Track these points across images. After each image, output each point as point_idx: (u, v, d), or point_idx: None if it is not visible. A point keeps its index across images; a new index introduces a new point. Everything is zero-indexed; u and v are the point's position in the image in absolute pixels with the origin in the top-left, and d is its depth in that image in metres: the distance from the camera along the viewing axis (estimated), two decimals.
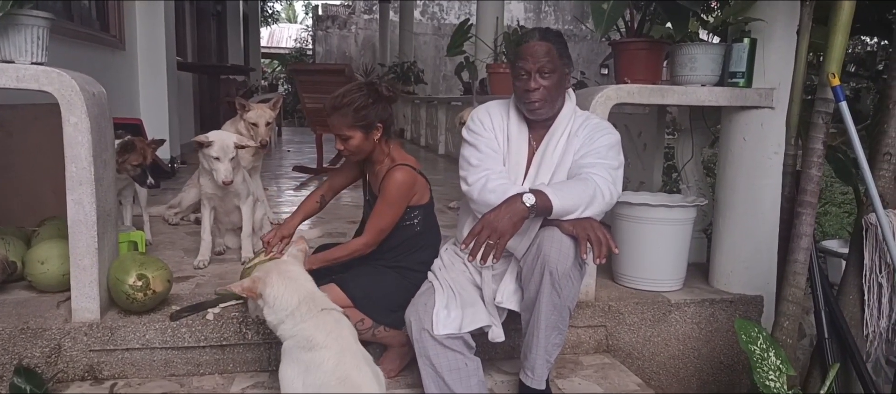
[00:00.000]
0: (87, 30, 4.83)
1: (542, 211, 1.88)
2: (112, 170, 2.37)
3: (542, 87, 2.07)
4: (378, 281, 2.21)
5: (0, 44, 2.09)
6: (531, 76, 2.07)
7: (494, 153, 2.16)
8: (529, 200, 1.85)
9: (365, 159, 2.26)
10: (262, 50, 17.12)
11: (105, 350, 2.20)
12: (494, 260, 1.85)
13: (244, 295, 1.91)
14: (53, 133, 2.44)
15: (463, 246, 1.89)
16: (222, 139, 2.76)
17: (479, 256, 1.85)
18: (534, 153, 2.18)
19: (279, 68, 20.72)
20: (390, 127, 2.23)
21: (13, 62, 2.10)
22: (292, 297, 1.87)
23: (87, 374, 2.20)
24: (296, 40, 21.86)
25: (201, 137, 2.76)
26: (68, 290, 2.22)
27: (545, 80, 2.06)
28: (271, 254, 2.25)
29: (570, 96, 2.20)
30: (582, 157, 2.07)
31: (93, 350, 2.19)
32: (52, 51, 2.23)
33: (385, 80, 2.32)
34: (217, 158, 2.73)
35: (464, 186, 2.14)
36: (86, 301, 2.18)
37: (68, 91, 2.07)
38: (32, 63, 2.12)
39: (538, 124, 2.17)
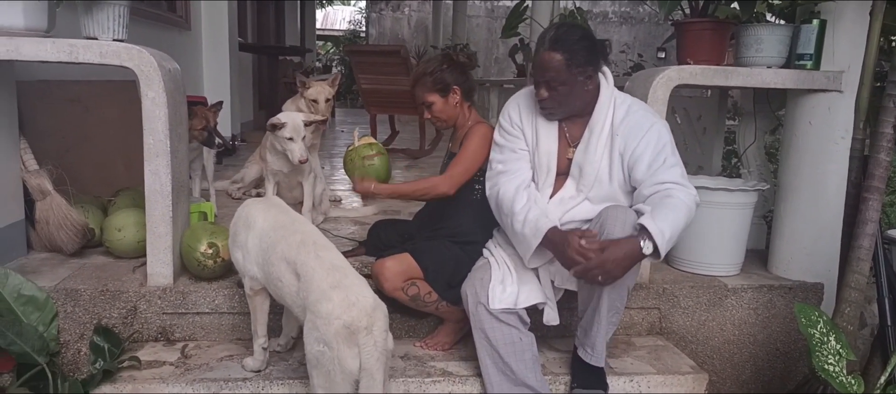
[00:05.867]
0: (156, 10, 5.00)
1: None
2: (185, 142, 2.49)
3: (551, 97, 2.03)
4: (448, 257, 2.26)
5: (85, 21, 2.22)
6: (540, 86, 2.05)
7: (522, 151, 2.15)
8: (648, 247, 1.82)
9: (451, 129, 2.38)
10: (317, 32, 17.30)
11: (177, 313, 2.32)
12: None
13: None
14: (125, 109, 2.56)
15: (572, 270, 1.88)
16: (293, 120, 2.82)
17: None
18: (569, 147, 2.13)
19: (333, 50, 20.94)
20: (469, 92, 2.33)
21: (96, 39, 2.22)
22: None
23: (160, 335, 2.33)
24: (350, 22, 22.02)
25: (275, 120, 2.83)
26: (143, 256, 2.35)
27: (554, 91, 2.02)
28: (365, 140, 2.40)
29: (607, 80, 2.09)
30: (642, 165, 1.98)
31: (166, 313, 2.32)
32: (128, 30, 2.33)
33: (462, 50, 2.45)
34: (291, 139, 2.78)
35: (489, 192, 2.16)
36: (160, 266, 2.30)
37: (147, 67, 2.18)
38: (114, 40, 2.24)
39: (574, 115, 2.12)
